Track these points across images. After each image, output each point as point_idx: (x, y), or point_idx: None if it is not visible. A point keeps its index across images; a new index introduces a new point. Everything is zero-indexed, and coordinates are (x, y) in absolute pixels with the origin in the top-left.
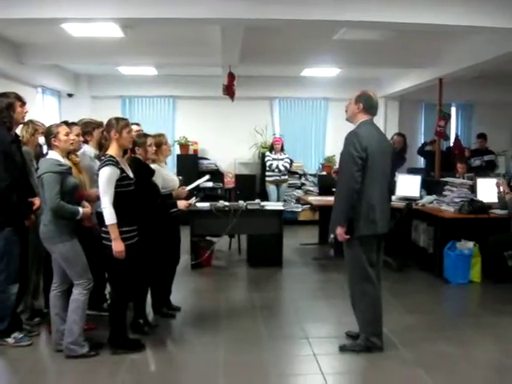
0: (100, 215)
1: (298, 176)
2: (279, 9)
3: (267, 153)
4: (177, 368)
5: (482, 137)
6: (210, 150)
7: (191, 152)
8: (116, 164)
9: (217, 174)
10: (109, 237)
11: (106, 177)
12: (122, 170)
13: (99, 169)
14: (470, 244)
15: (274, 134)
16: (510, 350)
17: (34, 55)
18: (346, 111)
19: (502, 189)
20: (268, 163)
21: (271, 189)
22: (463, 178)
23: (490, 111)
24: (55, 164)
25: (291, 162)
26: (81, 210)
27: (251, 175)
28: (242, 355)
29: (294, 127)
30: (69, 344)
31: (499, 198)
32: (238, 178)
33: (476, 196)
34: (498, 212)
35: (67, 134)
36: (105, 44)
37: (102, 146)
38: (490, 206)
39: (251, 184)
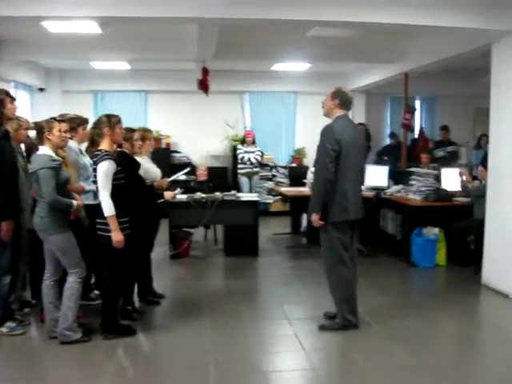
0: (89, 208)
1: (268, 168)
2: (254, 9)
3: (239, 145)
4: (169, 350)
5: (444, 129)
6: (182, 143)
7: (164, 145)
8: (113, 158)
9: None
10: (106, 228)
11: (105, 171)
12: (117, 164)
13: (97, 163)
14: (436, 230)
15: (245, 127)
16: (472, 323)
17: (10, 51)
18: (323, 107)
19: (465, 178)
20: (240, 156)
21: (243, 181)
22: (428, 169)
23: (452, 104)
24: (50, 160)
25: (262, 154)
26: (74, 202)
27: (223, 168)
28: (227, 336)
29: (264, 120)
30: (63, 330)
31: (462, 186)
32: (211, 170)
33: (441, 185)
34: (461, 199)
35: (60, 131)
36: (80, 39)
37: (93, 142)
38: (453, 194)
39: (223, 176)
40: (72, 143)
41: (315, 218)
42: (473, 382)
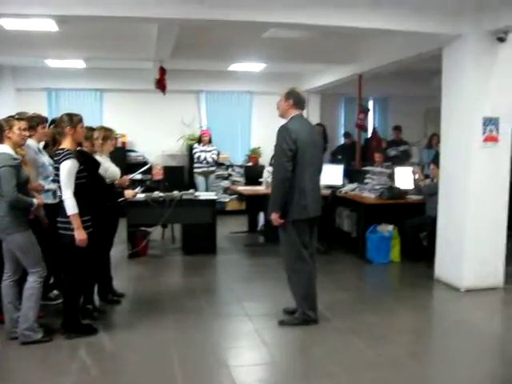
0: (48, 207)
1: (224, 167)
2: (211, 10)
3: (195, 145)
4: (132, 348)
5: (397, 129)
6: (137, 142)
7: (119, 144)
8: (75, 157)
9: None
10: (68, 226)
11: (67, 170)
12: (80, 163)
13: (60, 162)
14: (390, 227)
15: (201, 127)
16: (425, 317)
17: None
18: (278, 108)
19: (417, 176)
20: (196, 155)
21: (200, 180)
22: (381, 167)
23: (404, 104)
24: (10, 158)
25: (218, 153)
26: (35, 200)
27: (179, 167)
28: (189, 332)
29: (220, 120)
30: (24, 330)
31: (415, 184)
32: (166, 169)
33: (394, 183)
34: (414, 197)
35: (20, 129)
36: (37, 37)
37: (55, 141)
38: (406, 191)
39: (179, 175)
40: (31, 142)
41: (275, 216)
42: (429, 373)
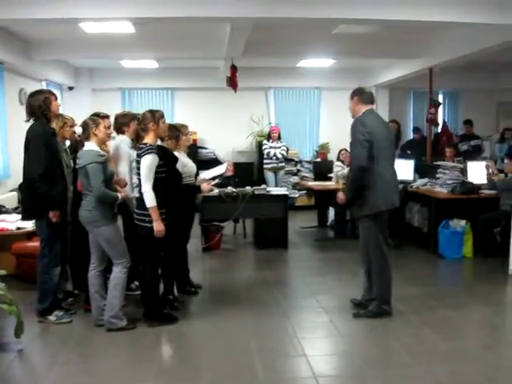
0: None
1: (293, 163)
2: (285, 8)
3: (264, 141)
4: (211, 337)
5: (468, 123)
6: (208, 139)
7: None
8: (156, 152)
9: (215, 163)
10: (145, 218)
11: (148, 164)
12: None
13: (141, 156)
14: (463, 222)
15: (270, 123)
16: (499, 312)
17: (43, 51)
18: (351, 111)
19: (491, 171)
20: (266, 151)
21: (269, 176)
22: (452, 162)
23: (476, 98)
24: (97, 155)
25: (287, 149)
26: (119, 195)
27: (249, 163)
28: (265, 324)
29: (288, 116)
30: (110, 318)
31: (488, 179)
32: (237, 166)
33: (467, 178)
34: (487, 192)
35: (105, 127)
36: (113, 39)
37: (138, 137)
38: (479, 186)
39: (249, 172)
40: (125, 137)
41: (342, 197)
42: (504, 366)
